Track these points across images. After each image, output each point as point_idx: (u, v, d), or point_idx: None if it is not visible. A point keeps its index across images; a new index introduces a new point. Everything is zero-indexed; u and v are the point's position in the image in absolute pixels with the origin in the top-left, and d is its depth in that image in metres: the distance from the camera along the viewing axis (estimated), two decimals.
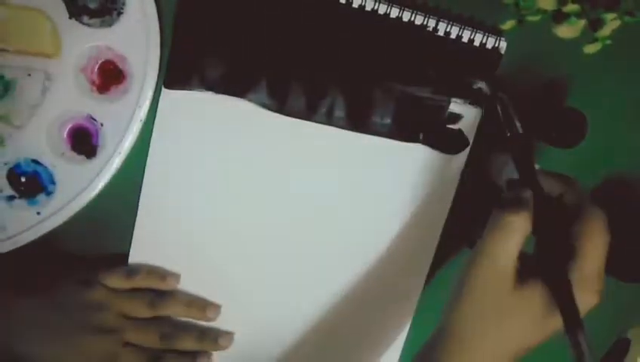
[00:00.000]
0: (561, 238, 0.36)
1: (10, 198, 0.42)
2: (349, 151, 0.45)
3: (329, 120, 0.44)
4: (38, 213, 0.43)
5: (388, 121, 0.45)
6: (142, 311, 0.44)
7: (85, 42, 0.42)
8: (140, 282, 0.44)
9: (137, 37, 0.42)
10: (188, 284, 0.46)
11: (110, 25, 0.42)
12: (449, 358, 0.36)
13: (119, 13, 0.42)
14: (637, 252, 0.46)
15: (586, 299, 0.34)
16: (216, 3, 0.42)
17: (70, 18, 0.41)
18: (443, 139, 0.45)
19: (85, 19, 0.42)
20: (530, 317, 0.35)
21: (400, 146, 0.45)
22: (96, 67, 0.42)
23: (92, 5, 0.42)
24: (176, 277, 0.46)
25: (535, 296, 0.34)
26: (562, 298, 0.34)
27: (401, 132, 0.45)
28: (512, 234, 0.35)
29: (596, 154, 0.48)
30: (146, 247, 0.45)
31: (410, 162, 0.46)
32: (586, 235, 0.35)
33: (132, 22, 0.42)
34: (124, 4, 0.41)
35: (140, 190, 0.44)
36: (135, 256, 0.45)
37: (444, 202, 0.47)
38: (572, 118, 0.43)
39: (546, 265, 0.35)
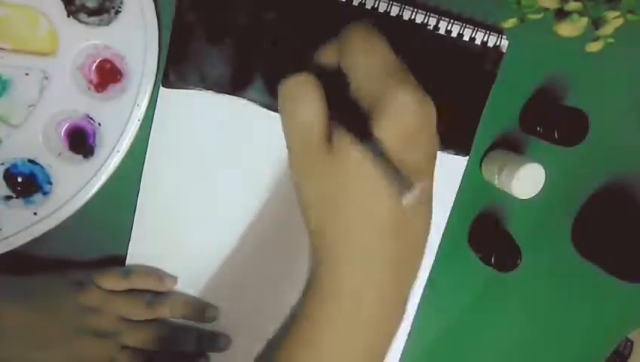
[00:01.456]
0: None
1: (7, 198, 0.42)
2: None
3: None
4: (35, 214, 0.42)
5: None
6: (139, 312, 0.43)
7: (83, 41, 0.41)
8: (136, 283, 0.44)
9: (135, 35, 0.41)
10: (186, 285, 0.46)
11: (108, 23, 0.41)
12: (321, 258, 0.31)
13: (117, 12, 0.41)
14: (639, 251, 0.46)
15: (395, 101, 0.27)
16: (215, 1, 0.42)
17: (68, 17, 0.41)
18: (444, 139, 0.45)
19: (83, 17, 0.41)
20: (367, 181, 0.28)
21: None
22: (94, 66, 0.42)
23: (90, 4, 0.41)
24: (173, 278, 0.45)
25: (350, 152, 0.28)
26: (342, 113, 0.29)
27: None
28: (296, 101, 0.29)
29: (598, 152, 0.48)
30: (143, 248, 0.45)
31: None
32: (347, 48, 0.29)
33: (130, 20, 0.41)
34: (122, 2, 0.41)
35: (138, 190, 0.44)
36: (133, 257, 0.45)
37: (445, 202, 0.47)
38: (574, 117, 0.43)
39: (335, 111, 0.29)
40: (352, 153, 0.28)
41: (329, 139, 0.29)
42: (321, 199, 0.30)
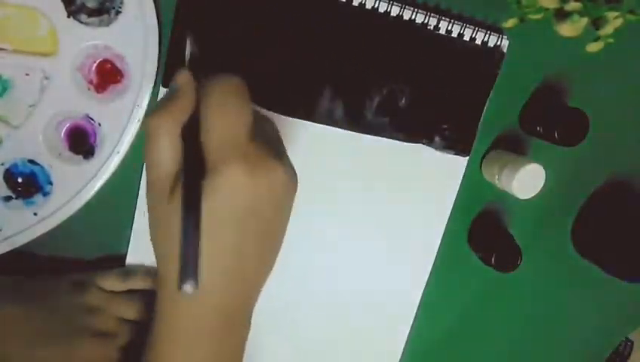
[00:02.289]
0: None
1: (7, 199, 0.42)
2: (349, 151, 0.45)
3: (329, 120, 0.44)
4: (35, 214, 0.42)
5: (388, 120, 0.44)
6: (139, 313, 0.43)
7: (83, 41, 0.41)
8: (136, 284, 0.44)
9: (135, 36, 0.41)
10: None
11: (108, 24, 0.41)
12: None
13: (117, 12, 0.41)
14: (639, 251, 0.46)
15: (220, 168, 0.29)
16: (215, 2, 0.42)
17: (68, 17, 0.41)
18: (444, 139, 0.45)
19: (83, 18, 0.41)
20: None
21: (400, 146, 0.45)
22: (94, 66, 0.42)
23: (90, 4, 0.41)
24: None
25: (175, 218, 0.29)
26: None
27: (402, 132, 0.45)
28: (154, 138, 0.30)
29: (598, 152, 0.48)
30: (143, 248, 0.45)
31: (410, 162, 0.46)
32: (204, 108, 0.30)
33: (130, 21, 0.41)
34: (122, 3, 0.41)
35: (138, 190, 0.44)
36: (133, 257, 0.45)
37: (445, 202, 0.47)
38: (574, 117, 0.43)
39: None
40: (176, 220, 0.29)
41: (174, 188, 0.30)
42: (161, 240, 0.31)
